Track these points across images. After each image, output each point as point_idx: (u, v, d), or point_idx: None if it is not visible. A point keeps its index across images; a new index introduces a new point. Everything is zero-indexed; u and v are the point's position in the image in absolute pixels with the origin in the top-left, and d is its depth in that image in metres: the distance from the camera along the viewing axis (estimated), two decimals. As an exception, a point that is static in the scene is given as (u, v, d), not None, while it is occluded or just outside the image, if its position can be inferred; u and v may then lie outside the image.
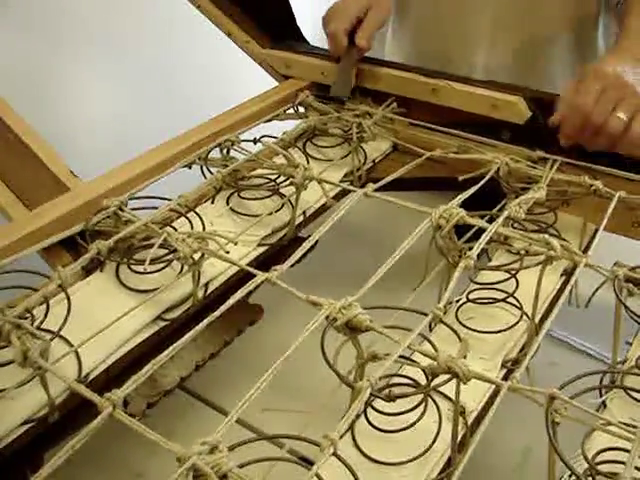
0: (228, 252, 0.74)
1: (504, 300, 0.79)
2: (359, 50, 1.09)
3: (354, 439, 0.62)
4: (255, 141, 0.98)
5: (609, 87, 0.89)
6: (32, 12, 1.72)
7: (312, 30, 1.38)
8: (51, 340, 0.62)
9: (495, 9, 1.20)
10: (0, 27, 1.69)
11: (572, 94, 0.92)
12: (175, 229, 0.78)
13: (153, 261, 0.73)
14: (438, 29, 1.22)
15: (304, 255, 0.72)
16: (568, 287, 0.69)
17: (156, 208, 0.79)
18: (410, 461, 0.61)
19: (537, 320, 0.74)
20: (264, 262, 0.83)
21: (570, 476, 0.55)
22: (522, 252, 0.78)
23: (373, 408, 0.64)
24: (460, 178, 0.87)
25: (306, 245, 0.71)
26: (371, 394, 0.53)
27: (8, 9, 1.70)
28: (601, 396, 0.66)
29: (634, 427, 0.51)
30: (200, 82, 2.08)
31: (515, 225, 0.85)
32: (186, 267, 0.73)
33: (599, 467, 0.57)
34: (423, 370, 0.57)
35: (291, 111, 1.09)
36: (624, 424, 0.51)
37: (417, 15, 1.28)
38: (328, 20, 1.11)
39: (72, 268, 0.69)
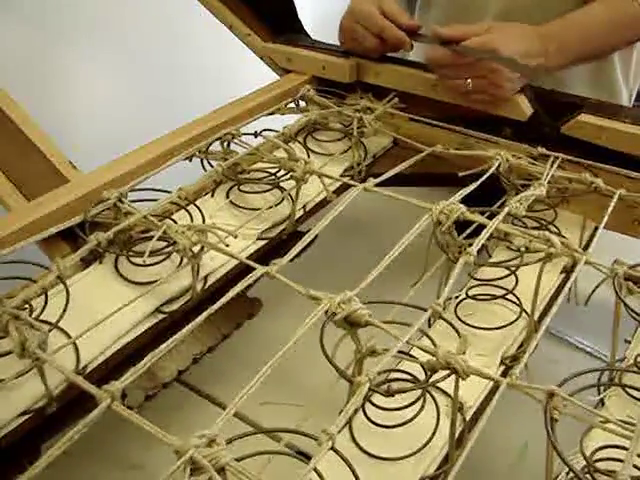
0: (228, 245, 0.74)
1: (503, 297, 0.79)
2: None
3: (352, 434, 0.62)
4: (256, 134, 0.98)
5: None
6: (33, 5, 1.72)
7: (313, 24, 1.38)
8: (49, 331, 0.62)
9: (501, 7, 1.21)
10: (6, 21, 1.68)
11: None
12: (175, 222, 0.78)
13: (152, 253, 0.72)
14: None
15: (303, 249, 0.72)
16: (568, 284, 0.69)
17: (156, 200, 0.79)
18: (408, 456, 0.61)
19: (536, 317, 0.74)
20: (263, 256, 0.83)
21: (568, 473, 0.55)
22: (522, 249, 0.78)
23: (371, 403, 0.64)
24: (460, 174, 0.87)
25: (306, 239, 0.71)
26: (370, 389, 0.53)
27: (9, 2, 1.70)
28: (599, 394, 0.66)
29: (632, 425, 0.51)
30: (200, 75, 2.08)
31: (515, 222, 0.85)
32: (185, 260, 0.73)
33: (597, 464, 0.58)
34: (422, 365, 0.57)
35: (292, 105, 1.09)
36: (622, 422, 0.51)
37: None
38: (360, 30, 1.08)
39: (71, 259, 0.69)
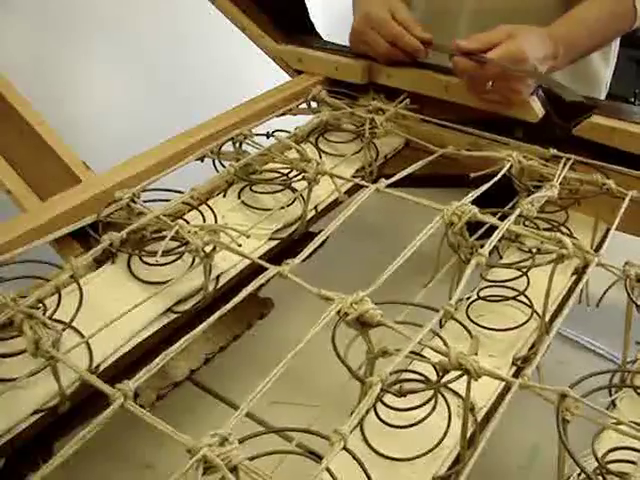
0: (240, 245, 0.74)
1: (515, 298, 0.79)
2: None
3: (364, 434, 0.62)
4: (268, 135, 0.98)
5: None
6: (42, 8, 1.73)
7: (325, 25, 1.38)
8: (63, 330, 0.62)
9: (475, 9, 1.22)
10: (13, 22, 1.69)
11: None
12: (187, 222, 0.78)
13: (165, 253, 0.73)
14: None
15: (315, 250, 0.72)
16: (579, 286, 0.69)
17: (168, 200, 0.80)
18: (419, 457, 0.61)
19: (547, 318, 0.74)
20: (275, 256, 0.83)
21: (579, 475, 0.55)
22: (533, 250, 0.78)
23: (383, 403, 0.64)
24: (472, 175, 0.87)
25: (318, 240, 0.71)
26: (381, 389, 0.53)
27: (18, 3, 1.70)
28: (611, 395, 0.66)
29: (644, 427, 0.51)
30: (212, 76, 2.09)
31: (527, 223, 0.85)
32: (197, 260, 0.73)
33: (609, 466, 0.57)
34: (434, 366, 0.57)
35: (304, 106, 1.09)
36: (634, 423, 0.51)
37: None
38: (373, 38, 1.08)
39: (84, 259, 0.69)
